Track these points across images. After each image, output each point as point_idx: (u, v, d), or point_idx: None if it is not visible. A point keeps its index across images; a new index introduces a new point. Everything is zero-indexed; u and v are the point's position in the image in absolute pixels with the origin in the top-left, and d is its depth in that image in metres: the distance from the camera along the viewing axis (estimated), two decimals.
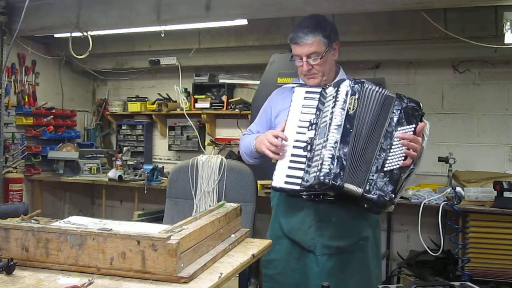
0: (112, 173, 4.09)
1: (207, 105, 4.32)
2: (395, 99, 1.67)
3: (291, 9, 2.97)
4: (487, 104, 3.69)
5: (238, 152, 4.25)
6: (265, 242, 1.84)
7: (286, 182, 1.69)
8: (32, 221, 1.66)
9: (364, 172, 1.62)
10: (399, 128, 1.65)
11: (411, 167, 1.65)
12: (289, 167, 1.70)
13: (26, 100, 4.28)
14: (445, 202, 3.04)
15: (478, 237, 3.08)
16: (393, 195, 1.61)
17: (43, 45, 4.49)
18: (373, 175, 1.62)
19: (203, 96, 4.37)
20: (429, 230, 3.48)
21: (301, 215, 1.83)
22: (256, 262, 2.30)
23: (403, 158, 1.62)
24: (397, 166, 1.62)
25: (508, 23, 2.85)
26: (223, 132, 4.54)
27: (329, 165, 1.56)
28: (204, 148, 4.52)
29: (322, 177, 1.56)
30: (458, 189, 3.16)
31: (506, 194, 3.01)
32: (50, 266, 1.40)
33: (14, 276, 1.34)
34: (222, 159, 2.69)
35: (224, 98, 4.27)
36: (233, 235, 1.78)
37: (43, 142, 4.42)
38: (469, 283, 1.42)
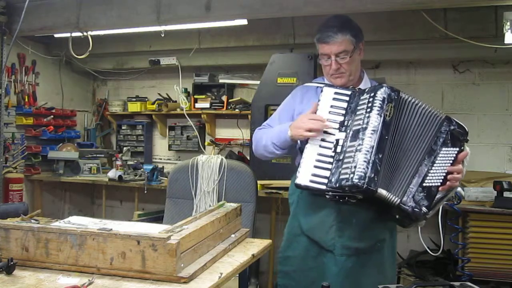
0: (112, 173, 4.09)
1: (207, 105, 4.32)
2: (445, 120, 1.70)
3: (291, 9, 2.97)
4: (487, 104, 3.69)
5: (239, 152, 4.29)
6: (265, 242, 1.84)
7: (311, 181, 1.68)
8: (32, 221, 1.66)
9: (401, 181, 1.64)
10: (443, 149, 1.67)
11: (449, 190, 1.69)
12: (315, 166, 1.69)
13: (26, 100, 4.28)
14: (445, 202, 3.04)
15: (478, 237, 3.08)
16: (427, 210, 1.63)
17: (43, 45, 4.49)
18: (412, 188, 1.64)
19: (203, 96, 4.37)
20: (429, 230, 3.48)
21: (322, 214, 1.83)
22: (256, 262, 2.30)
23: (443, 177, 1.65)
24: (436, 184, 1.64)
25: (508, 23, 2.85)
26: (223, 132, 4.54)
27: (364, 168, 1.56)
28: (204, 148, 4.52)
29: (356, 180, 1.55)
30: (458, 189, 3.15)
31: (506, 194, 3.00)
32: (50, 266, 1.40)
33: (14, 276, 1.34)
34: (222, 159, 2.69)
35: (224, 98, 4.27)
36: (233, 235, 1.79)
37: (43, 142, 4.42)
38: (469, 283, 1.42)
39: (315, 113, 1.74)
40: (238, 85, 4.44)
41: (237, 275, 1.64)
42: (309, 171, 1.69)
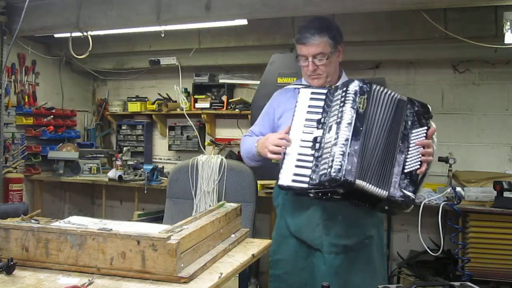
0: (112, 173, 4.09)
1: (207, 105, 4.32)
2: (407, 102, 1.72)
3: (291, 9, 2.97)
4: (487, 104, 3.69)
5: (238, 152, 4.27)
6: (265, 242, 1.84)
7: (293, 181, 1.69)
8: (32, 221, 1.66)
9: (383, 172, 1.64)
10: (413, 131, 1.70)
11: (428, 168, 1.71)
12: (296, 166, 1.70)
13: (26, 100, 4.28)
14: (445, 202, 3.03)
15: (478, 237, 3.08)
16: (415, 195, 1.65)
17: (43, 45, 4.48)
18: (395, 177, 1.65)
19: (203, 96, 4.37)
20: (429, 230, 3.47)
21: (307, 213, 1.83)
22: (256, 262, 2.30)
23: (420, 158, 1.67)
24: (416, 167, 1.66)
25: (508, 23, 2.85)
26: (223, 132, 4.54)
27: (340, 161, 1.57)
28: (204, 148, 4.52)
29: (333, 174, 1.56)
30: (458, 189, 3.16)
31: (506, 194, 3.00)
32: (50, 266, 1.40)
33: (14, 276, 1.34)
34: (222, 159, 2.69)
35: (224, 98, 4.27)
36: (233, 235, 1.79)
37: (43, 142, 4.42)
38: (469, 283, 1.42)
39: (288, 133, 1.75)
40: (238, 85, 4.44)
41: (237, 275, 1.64)
42: (290, 171, 1.70)
